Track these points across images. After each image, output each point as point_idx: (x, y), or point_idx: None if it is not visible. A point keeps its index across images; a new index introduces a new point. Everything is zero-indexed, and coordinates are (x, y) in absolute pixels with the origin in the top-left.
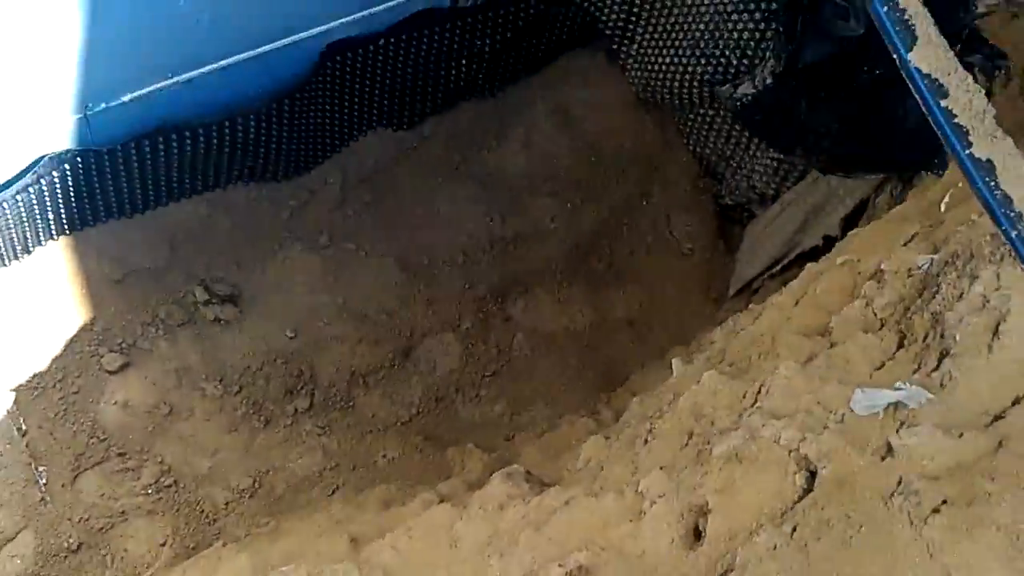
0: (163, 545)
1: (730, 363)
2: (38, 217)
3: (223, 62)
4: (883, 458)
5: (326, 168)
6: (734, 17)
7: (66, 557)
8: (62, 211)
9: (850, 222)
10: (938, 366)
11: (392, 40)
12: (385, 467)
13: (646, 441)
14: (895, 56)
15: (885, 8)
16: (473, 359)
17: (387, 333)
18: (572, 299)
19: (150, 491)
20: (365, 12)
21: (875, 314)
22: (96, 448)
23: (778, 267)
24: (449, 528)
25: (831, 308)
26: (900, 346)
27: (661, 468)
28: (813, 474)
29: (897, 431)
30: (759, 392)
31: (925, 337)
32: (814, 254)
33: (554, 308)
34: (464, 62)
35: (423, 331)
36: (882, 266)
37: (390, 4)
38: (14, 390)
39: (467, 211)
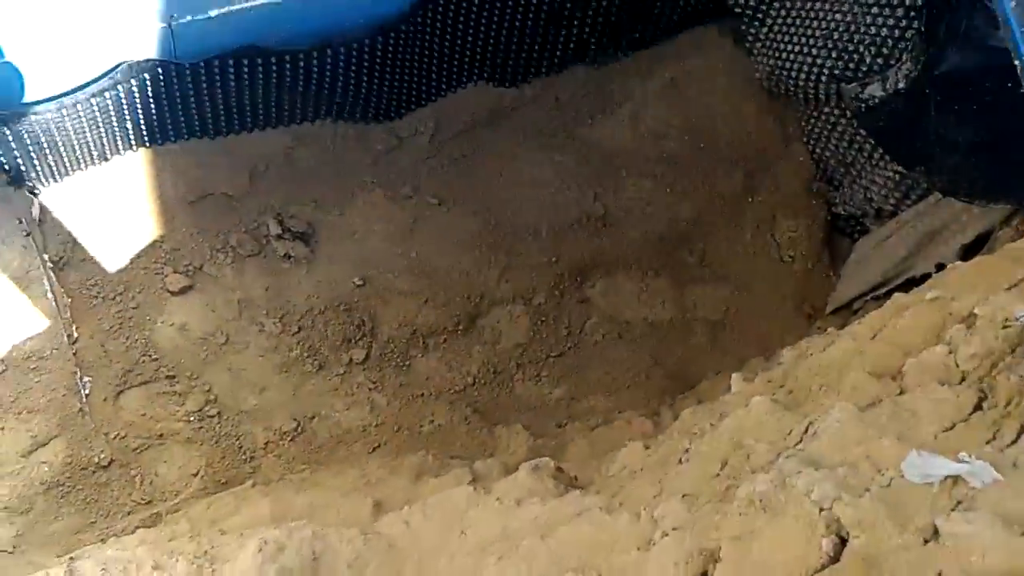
0: (195, 475)
1: (789, 390)
2: (115, 125)
3: None
4: (926, 541)
5: (419, 116)
6: (874, 10)
7: (94, 472)
8: (141, 122)
9: (969, 253)
10: (1016, 440)
11: None
12: (429, 433)
13: (680, 460)
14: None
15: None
16: (540, 336)
17: (456, 295)
18: (655, 290)
19: (192, 418)
20: None
21: (957, 365)
22: (146, 367)
23: (883, 290)
24: (464, 513)
25: (909, 349)
26: (977, 407)
27: (684, 496)
28: (844, 541)
29: (949, 512)
30: (806, 431)
31: (1008, 403)
32: (924, 282)
33: (635, 296)
34: (579, 22)
35: (494, 299)
36: (976, 310)
37: None
38: (71, 295)
39: (560, 182)
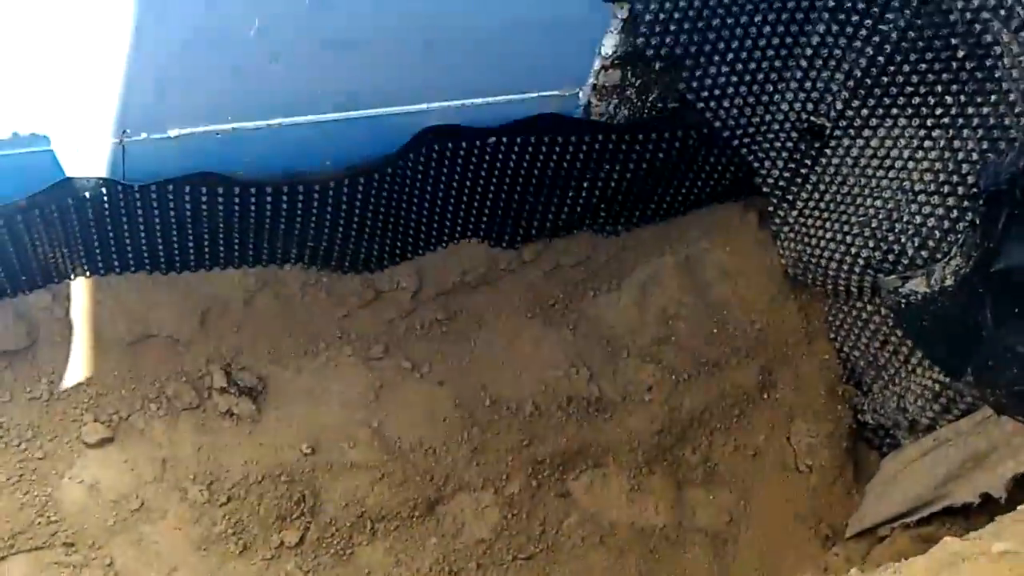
0: None
1: None
2: (52, 246)
3: (294, 119)
4: None
5: (401, 270)
6: (921, 198)
7: None
8: (81, 247)
9: (1022, 485)
10: None
11: (504, 140)
12: None
13: None
14: None
15: None
16: (509, 533)
17: (417, 475)
18: (649, 490)
19: None
20: (477, 100)
21: None
22: (41, 529)
23: (915, 517)
24: None
25: None
26: None
27: None
28: None
29: None
30: None
31: None
32: (965, 513)
33: (625, 496)
34: (587, 186)
35: (460, 484)
36: None
37: (509, 97)
38: None
39: (551, 357)
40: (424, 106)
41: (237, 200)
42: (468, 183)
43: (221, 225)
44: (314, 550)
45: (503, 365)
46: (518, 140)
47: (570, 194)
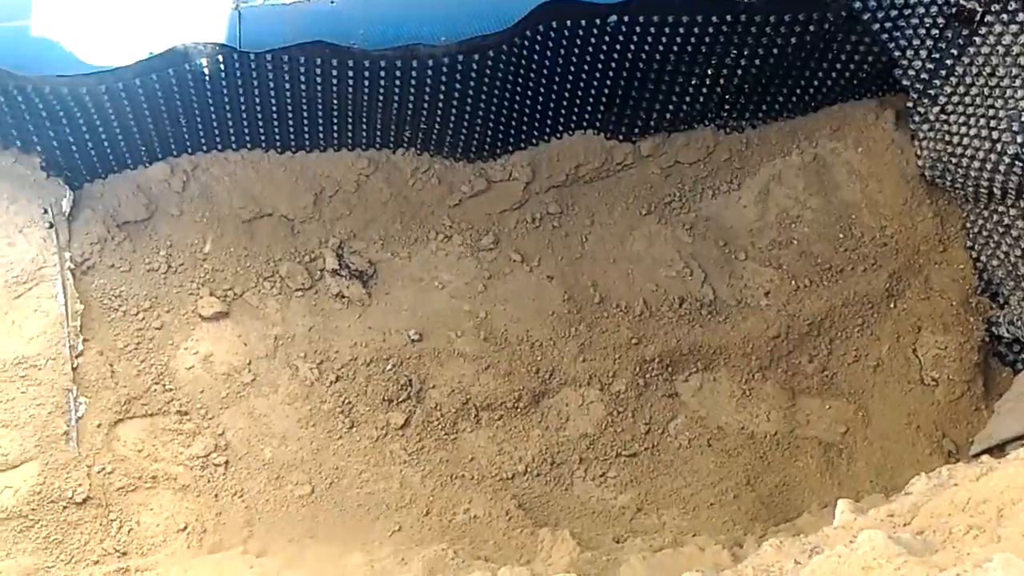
0: (181, 530)
1: (918, 530)
2: (168, 118)
3: None
4: None
5: (515, 160)
6: None
7: (66, 507)
8: (198, 119)
9: None
10: None
11: (626, 19)
12: (461, 524)
13: None
14: None
15: None
16: (614, 430)
17: (523, 367)
18: (760, 396)
19: (195, 464)
20: None
21: None
22: (156, 397)
23: None
24: None
25: None
26: None
27: None
28: None
29: None
30: None
31: None
32: None
33: (734, 400)
34: (713, 74)
35: (565, 378)
36: None
37: None
38: (86, 302)
39: (665, 255)
40: None
41: (351, 73)
42: (585, 66)
43: (335, 100)
44: (418, 433)
45: (614, 262)
46: (640, 19)
47: (693, 82)
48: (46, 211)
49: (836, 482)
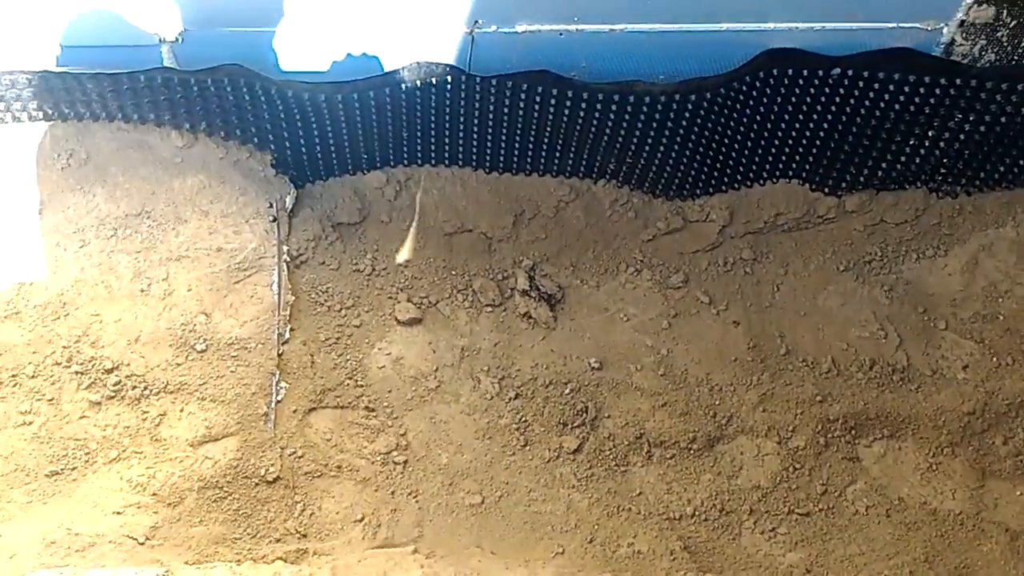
0: (358, 521)
1: None
2: (392, 131)
3: (636, 26)
4: None
5: (714, 202)
6: None
7: (257, 484)
8: (418, 134)
9: None
10: None
11: (849, 72)
12: (624, 557)
13: None
14: None
15: None
16: (788, 485)
17: (700, 409)
18: (947, 472)
19: (377, 460)
20: (827, 24)
21: None
22: (348, 391)
23: None
24: None
25: None
26: None
27: None
28: None
29: None
30: None
31: None
32: None
33: (920, 473)
34: (932, 136)
35: (743, 426)
36: None
37: (861, 25)
38: (297, 294)
39: (859, 315)
40: (769, 25)
41: (569, 103)
42: (800, 116)
43: (548, 128)
44: (589, 460)
45: (805, 315)
46: (864, 74)
47: (911, 143)
48: (271, 205)
49: (1021, 573)
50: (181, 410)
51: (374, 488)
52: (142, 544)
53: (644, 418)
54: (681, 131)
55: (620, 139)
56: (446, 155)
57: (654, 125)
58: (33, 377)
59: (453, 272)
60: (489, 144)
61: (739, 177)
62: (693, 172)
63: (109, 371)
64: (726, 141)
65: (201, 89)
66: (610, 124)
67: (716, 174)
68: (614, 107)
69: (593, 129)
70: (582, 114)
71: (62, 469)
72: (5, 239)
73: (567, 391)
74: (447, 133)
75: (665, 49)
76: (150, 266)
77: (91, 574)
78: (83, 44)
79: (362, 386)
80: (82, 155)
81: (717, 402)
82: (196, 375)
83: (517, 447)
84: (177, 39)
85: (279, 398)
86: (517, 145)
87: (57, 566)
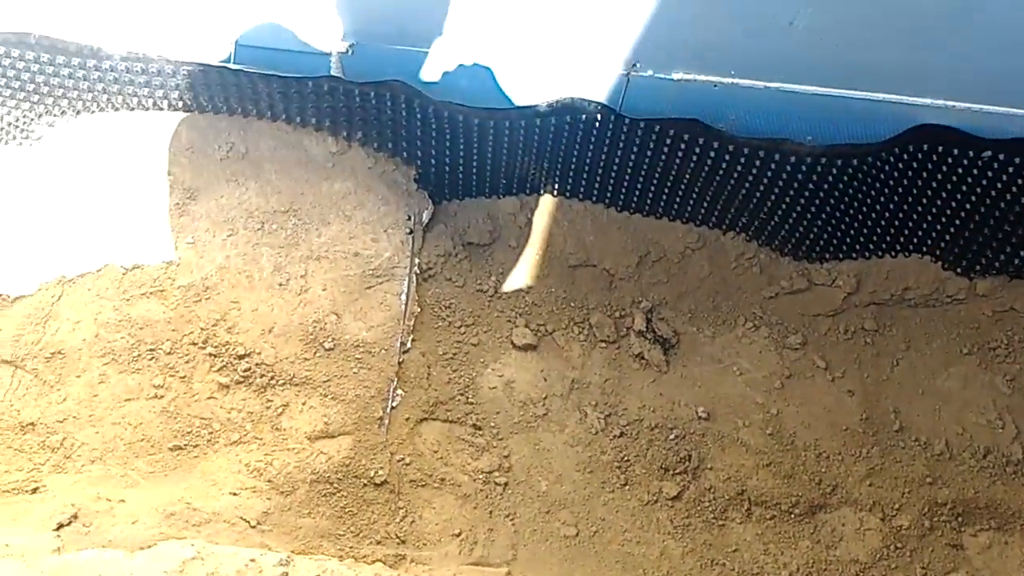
0: (455, 535)
1: None
2: (535, 160)
3: (792, 85)
4: None
5: (842, 268)
6: None
7: (365, 485)
8: (559, 167)
9: None
10: None
11: (1000, 156)
12: None
13: None
14: None
15: None
16: (888, 564)
17: (805, 475)
18: None
19: (479, 478)
20: (986, 107)
21: None
22: (458, 406)
23: None
24: None
25: None
26: None
27: None
28: None
29: None
30: None
31: None
32: None
33: None
34: None
35: (847, 497)
36: None
37: (1020, 112)
38: (422, 306)
39: (978, 400)
40: (926, 101)
41: (713, 153)
42: (943, 194)
43: (687, 175)
44: (688, 509)
45: (922, 394)
46: (1016, 161)
47: None
48: (409, 218)
49: None
50: (303, 403)
51: (473, 505)
52: (253, 527)
53: (747, 475)
54: (821, 194)
55: (758, 194)
56: (581, 189)
57: (795, 185)
58: (169, 354)
59: (572, 304)
60: (626, 183)
61: (871, 246)
62: (826, 236)
63: (241, 357)
64: (864, 209)
65: (363, 100)
66: (751, 178)
67: (848, 240)
68: (758, 163)
69: (732, 181)
70: (724, 165)
71: (185, 445)
72: (157, 219)
73: (672, 437)
74: (587, 168)
75: (817, 111)
76: (290, 262)
77: (218, 549)
78: (257, 45)
79: (472, 403)
80: (241, 149)
81: (823, 469)
82: (321, 372)
83: (616, 485)
84: (347, 51)
85: (394, 404)
86: (653, 188)
87: (175, 537)
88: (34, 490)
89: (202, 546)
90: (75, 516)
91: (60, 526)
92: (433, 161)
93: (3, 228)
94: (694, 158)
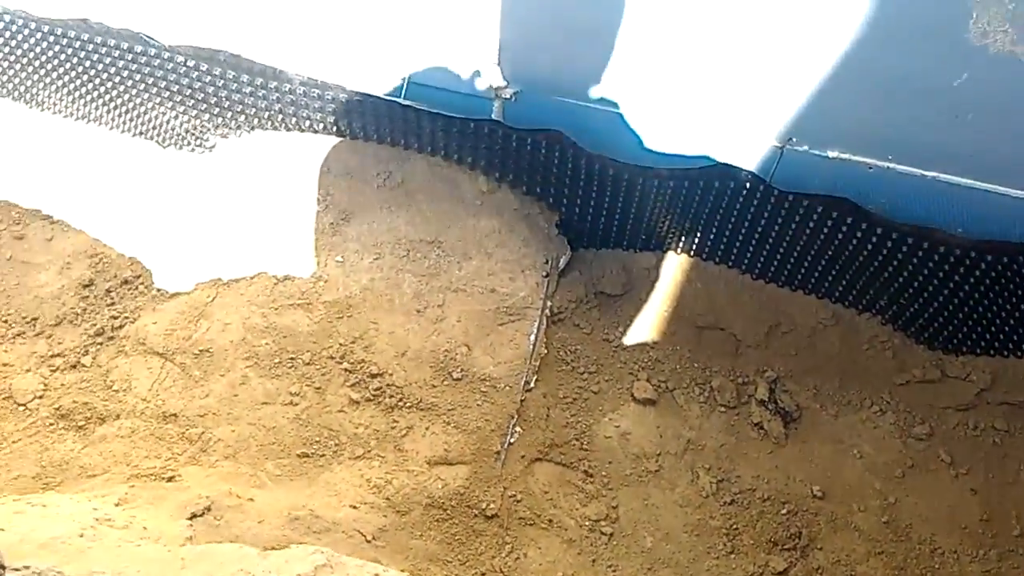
0: None
1: None
2: (677, 219)
3: (949, 177)
4: None
5: (977, 363)
6: None
7: (476, 516)
8: (701, 229)
9: None
10: None
11: None
12: None
13: None
14: None
15: None
16: None
17: (918, 569)
18: None
19: (585, 524)
20: None
21: None
22: (572, 451)
23: None
24: None
25: None
26: None
27: None
28: None
29: None
30: None
31: None
32: None
33: None
34: None
35: None
36: None
37: None
38: (549, 348)
39: None
40: None
41: (860, 234)
42: None
43: (830, 252)
44: None
45: None
46: None
47: None
48: (547, 261)
49: None
50: (426, 428)
51: (577, 551)
52: (368, 542)
53: (857, 560)
54: (966, 287)
55: (901, 279)
56: (719, 253)
57: (940, 275)
58: (308, 364)
59: (696, 364)
60: (765, 253)
61: (1010, 345)
62: (965, 329)
63: (374, 376)
64: (1008, 307)
65: (519, 145)
66: (896, 263)
67: (988, 336)
68: (905, 248)
69: (876, 263)
70: (870, 247)
71: (312, 453)
72: (312, 235)
73: (784, 511)
74: (727, 233)
75: (971, 204)
76: (430, 291)
77: (346, 559)
78: (427, 84)
79: (586, 450)
80: (398, 178)
81: (937, 566)
82: (447, 400)
83: (723, 552)
84: (511, 97)
85: (512, 440)
86: (792, 260)
87: (297, 541)
88: (170, 478)
89: (331, 554)
90: (208, 508)
91: (193, 516)
92: (577, 209)
93: (167, 227)
94: (840, 236)
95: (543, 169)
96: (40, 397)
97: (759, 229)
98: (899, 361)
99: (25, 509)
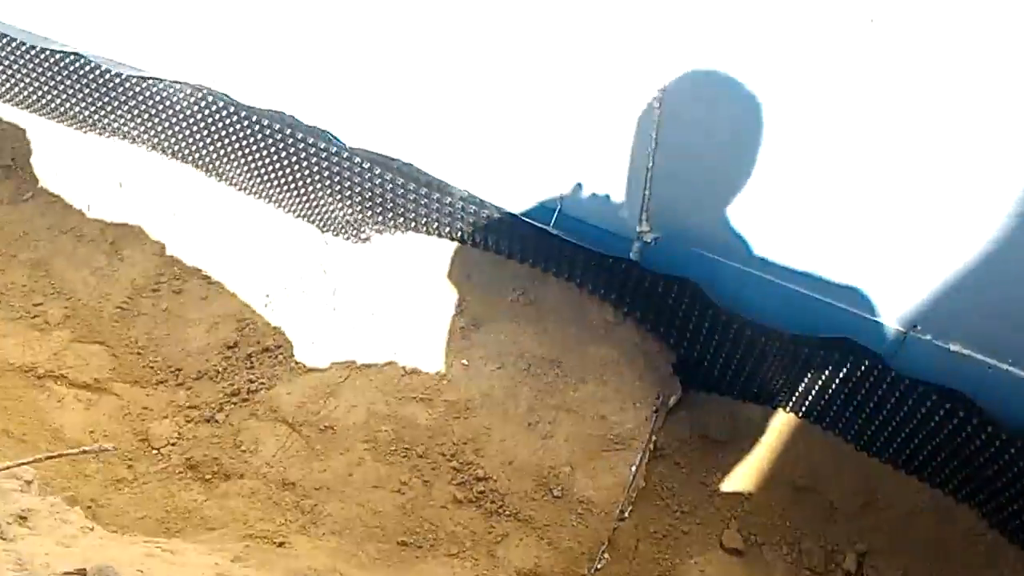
0: None
1: None
2: (792, 379)
3: None
4: None
5: None
6: None
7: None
8: (808, 394)
9: None
10: None
11: None
12: None
13: None
14: None
15: None
16: None
17: None
18: None
19: None
20: None
21: None
22: None
23: None
24: None
25: None
26: None
27: None
28: None
29: None
30: None
31: None
32: None
33: None
34: None
35: None
36: None
37: None
38: (647, 480)
39: None
40: None
41: (970, 429)
42: None
43: (938, 439)
44: None
45: None
46: None
47: None
48: (658, 397)
49: None
50: (521, 539)
51: None
52: None
53: None
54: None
55: (1005, 478)
56: (827, 419)
57: (1004, 459)
58: (420, 456)
59: (788, 523)
60: (873, 428)
61: None
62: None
63: (479, 479)
64: None
65: (651, 287)
66: (1001, 462)
67: None
68: (1013, 450)
69: (982, 459)
70: (978, 443)
71: (411, 543)
72: (443, 336)
73: None
74: (838, 403)
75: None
76: (544, 407)
77: None
78: (575, 216)
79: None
80: (531, 297)
81: None
82: (545, 515)
83: None
84: (651, 242)
85: (599, 567)
86: (899, 440)
87: None
88: (280, 543)
89: None
90: None
91: None
92: (695, 352)
93: (314, 304)
94: (949, 427)
95: (669, 312)
96: (173, 444)
97: (871, 405)
98: (988, 558)
99: (155, 552)
